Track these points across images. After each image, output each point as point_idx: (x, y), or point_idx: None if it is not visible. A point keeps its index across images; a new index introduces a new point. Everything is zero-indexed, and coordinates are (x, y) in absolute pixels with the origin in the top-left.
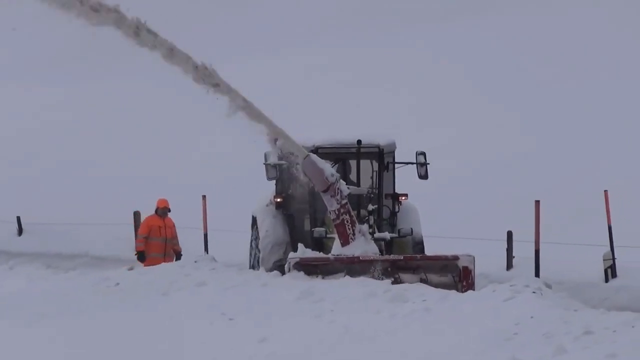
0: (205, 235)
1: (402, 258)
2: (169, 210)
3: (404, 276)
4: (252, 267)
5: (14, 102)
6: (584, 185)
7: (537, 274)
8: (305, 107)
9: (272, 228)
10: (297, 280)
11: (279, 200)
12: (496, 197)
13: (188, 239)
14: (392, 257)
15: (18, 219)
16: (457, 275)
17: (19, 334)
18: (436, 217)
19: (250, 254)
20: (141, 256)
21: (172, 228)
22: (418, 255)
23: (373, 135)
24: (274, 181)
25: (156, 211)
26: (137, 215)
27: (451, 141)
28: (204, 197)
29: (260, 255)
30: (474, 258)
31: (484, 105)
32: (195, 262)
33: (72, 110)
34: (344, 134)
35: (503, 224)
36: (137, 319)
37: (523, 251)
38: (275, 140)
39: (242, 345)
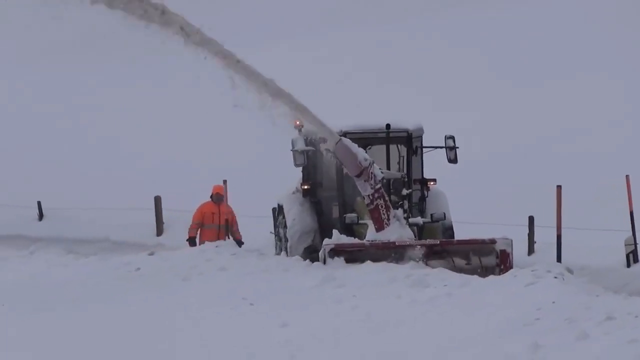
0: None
1: (438, 243)
2: (223, 197)
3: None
4: (278, 254)
5: (34, 87)
6: (605, 170)
7: (558, 259)
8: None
9: (299, 216)
10: (318, 266)
11: (306, 187)
12: (517, 183)
13: None
14: (428, 241)
15: (39, 204)
16: (495, 258)
17: (39, 319)
18: (457, 202)
19: (276, 242)
20: (192, 242)
21: (229, 215)
22: (454, 240)
23: (400, 119)
24: (300, 168)
25: (211, 197)
26: (158, 200)
27: (471, 127)
28: (225, 181)
29: (289, 244)
30: (511, 241)
31: (502, 90)
32: (217, 247)
33: (94, 95)
34: (370, 119)
35: (524, 209)
36: (157, 304)
37: (545, 236)
38: (299, 126)
39: (263, 331)
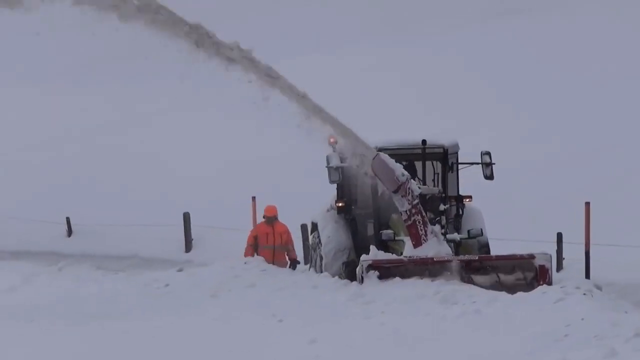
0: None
1: (477, 258)
2: (276, 217)
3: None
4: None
5: (61, 105)
6: (633, 186)
7: (587, 276)
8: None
9: (334, 233)
10: (346, 282)
11: (340, 205)
12: (545, 199)
13: (238, 240)
14: (467, 257)
15: (67, 220)
16: (533, 274)
17: (69, 335)
18: (485, 219)
19: (310, 259)
20: None
21: (284, 235)
22: (493, 255)
23: (435, 135)
24: (335, 186)
25: (264, 218)
26: (186, 216)
27: (494, 144)
28: (253, 198)
29: (324, 261)
30: (550, 256)
31: (531, 106)
32: (245, 263)
33: (123, 113)
34: (406, 135)
35: (552, 226)
36: (186, 320)
37: (573, 253)
38: (334, 142)
39: (292, 347)
